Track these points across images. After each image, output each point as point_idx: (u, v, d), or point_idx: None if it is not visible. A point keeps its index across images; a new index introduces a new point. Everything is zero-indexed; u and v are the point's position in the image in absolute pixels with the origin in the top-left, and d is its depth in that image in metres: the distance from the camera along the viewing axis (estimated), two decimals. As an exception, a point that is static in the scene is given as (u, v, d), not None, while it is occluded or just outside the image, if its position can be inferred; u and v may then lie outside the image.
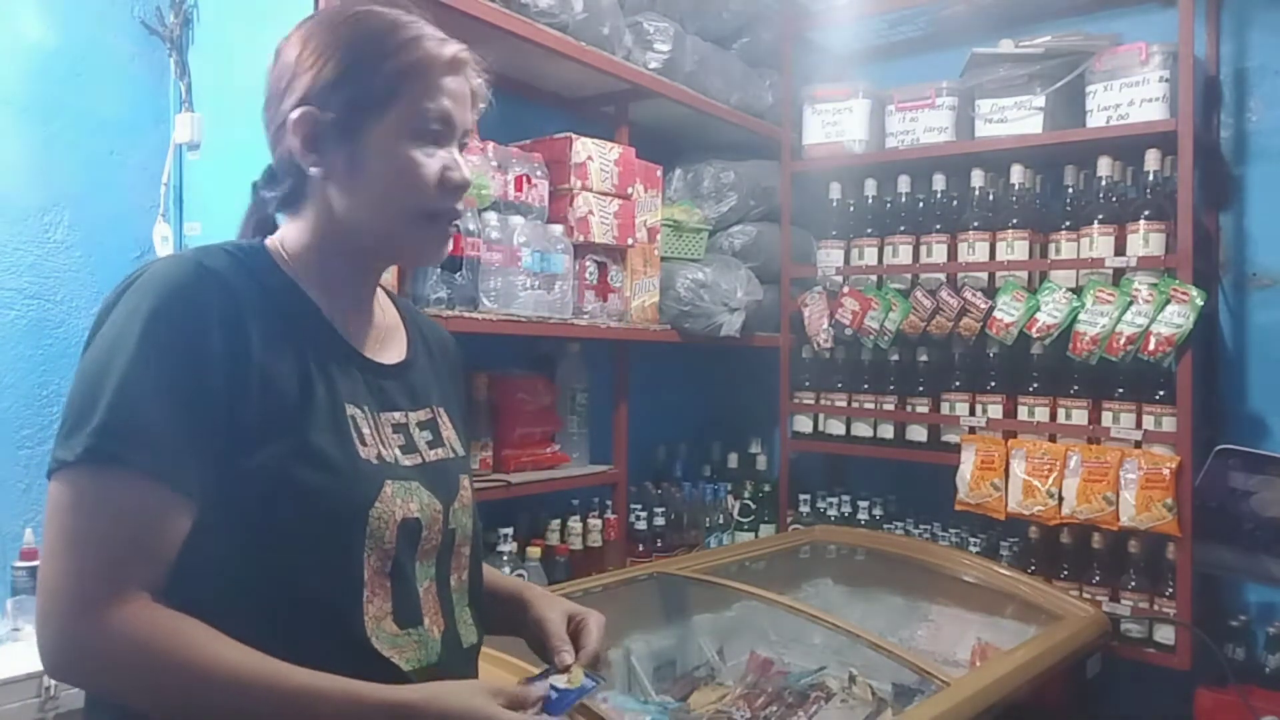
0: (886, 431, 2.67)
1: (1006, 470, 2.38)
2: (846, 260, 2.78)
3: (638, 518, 2.47)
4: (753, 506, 2.83)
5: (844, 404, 2.76)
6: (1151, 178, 2.30)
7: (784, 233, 2.89)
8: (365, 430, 0.98)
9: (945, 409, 2.56)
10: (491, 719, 0.88)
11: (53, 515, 0.85)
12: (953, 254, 2.57)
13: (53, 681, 1.54)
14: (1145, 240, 2.26)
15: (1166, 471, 2.15)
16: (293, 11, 1.06)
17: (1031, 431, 2.40)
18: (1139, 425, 2.26)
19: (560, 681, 1.02)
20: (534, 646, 1.14)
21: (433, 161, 0.99)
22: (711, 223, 2.74)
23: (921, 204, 2.69)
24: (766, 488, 2.89)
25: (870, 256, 2.72)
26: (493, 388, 2.13)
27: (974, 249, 2.53)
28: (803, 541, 2.61)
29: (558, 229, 2.18)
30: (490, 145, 2.06)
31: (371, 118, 0.97)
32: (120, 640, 0.82)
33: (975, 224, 2.53)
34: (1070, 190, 2.47)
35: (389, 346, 1.09)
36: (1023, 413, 2.43)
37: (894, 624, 2.21)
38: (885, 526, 2.68)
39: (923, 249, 2.62)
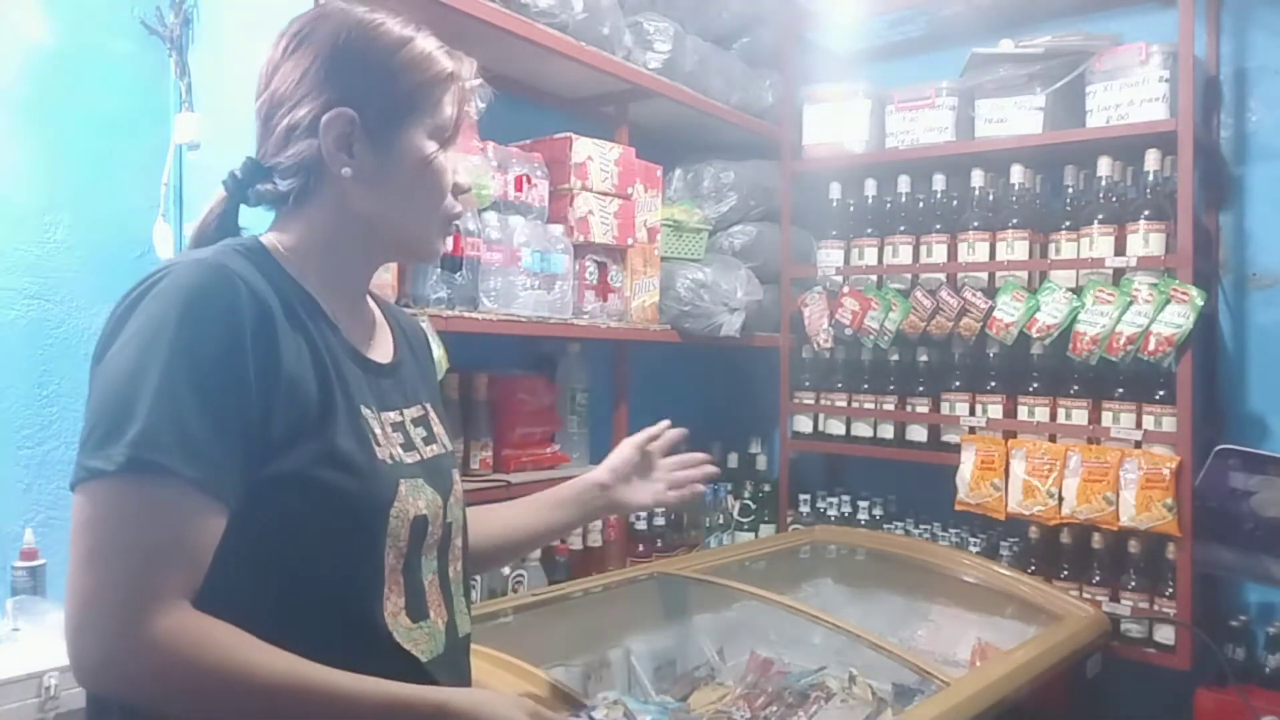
0: (886, 431, 2.67)
1: (1006, 470, 2.38)
2: (846, 260, 2.78)
3: (638, 518, 2.46)
4: (753, 506, 2.83)
5: (844, 404, 2.75)
6: (1151, 178, 2.30)
7: (784, 233, 2.89)
8: (378, 431, 1.00)
9: (945, 409, 2.56)
10: None
11: (89, 525, 0.83)
12: (953, 254, 2.57)
13: (53, 681, 1.54)
14: (1145, 240, 2.26)
15: (1166, 471, 2.15)
16: (293, 12, 1.06)
17: (1031, 431, 2.40)
18: (1139, 425, 2.25)
19: (600, 715, 1.04)
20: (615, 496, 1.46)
21: (449, 166, 1.05)
22: (711, 223, 2.74)
23: (921, 204, 2.68)
24: (766, 488, 2.89)
25: (870, 256, 2.72)
26: (493, 388, 2.13)
27: (974, 249, 2.53)
28: (803, 541, 2.61)
29: (558, 229, 2.18)
30: (490, 145, 2.06)
31: (405, 123, 1.02)
32: (168, 649, 0.82)
33: (975, 224, 2.53)
34: (1070, 190, 2.47)
35: (380, 344, 1.10)
36: (1023, 413, 2.43)
37: (894, 624, 2.20)
38: (885, 526, 2.68)
39: (923, 249, 2.62)
